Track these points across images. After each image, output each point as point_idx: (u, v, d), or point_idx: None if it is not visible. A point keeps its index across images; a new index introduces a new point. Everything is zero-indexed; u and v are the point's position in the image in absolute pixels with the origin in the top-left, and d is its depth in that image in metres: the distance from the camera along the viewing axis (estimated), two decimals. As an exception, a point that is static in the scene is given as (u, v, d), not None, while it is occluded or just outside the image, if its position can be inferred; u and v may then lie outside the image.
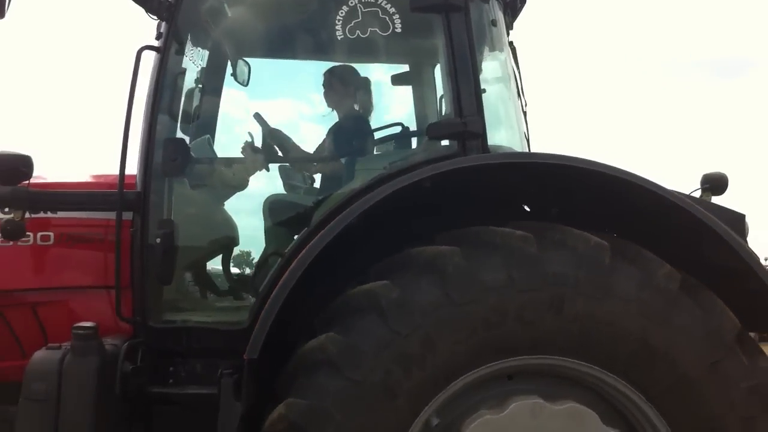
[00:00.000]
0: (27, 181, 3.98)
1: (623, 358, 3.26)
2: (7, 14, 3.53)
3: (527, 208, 4.20)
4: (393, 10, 4.19)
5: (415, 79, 5.66)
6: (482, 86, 4.24)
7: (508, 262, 3.24)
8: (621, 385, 3.30)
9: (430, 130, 4.16)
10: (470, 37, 4.09)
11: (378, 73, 5.75)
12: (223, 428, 3.56)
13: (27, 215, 4.06)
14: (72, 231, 4.46)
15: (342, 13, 4.17)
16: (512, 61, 4.76)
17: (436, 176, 3.51)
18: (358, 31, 4.16)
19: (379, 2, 4.18)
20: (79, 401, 3.62)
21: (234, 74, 5.37)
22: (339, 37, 4.17)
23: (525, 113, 4.82)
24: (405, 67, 5.73)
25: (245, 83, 5.49)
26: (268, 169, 4.94)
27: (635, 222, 3.72)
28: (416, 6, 4.11)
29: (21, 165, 3.93)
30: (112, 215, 4.16)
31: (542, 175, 3.67)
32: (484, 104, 4.19)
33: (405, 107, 5.77)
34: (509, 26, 5.10)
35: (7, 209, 4.06)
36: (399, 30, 4.19)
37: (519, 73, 4.82)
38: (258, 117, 4.96)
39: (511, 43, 4.83)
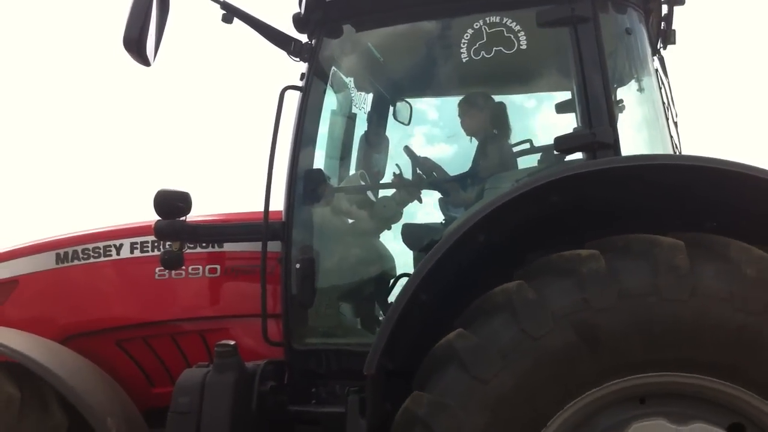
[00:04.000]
0: (184, 216, 4.37)
1: None
2: (154, 63, 3.92)
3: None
4: (518, 27, 4.15)
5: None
6: (621, 98, 4.05)
7: (653, 269, 3.01)
8: None
9: (558, 143, 4.02)
10: (600, 47, 3.95)
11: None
12: None
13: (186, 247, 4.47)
14: (236, 264, 4.83)
15: (467, 36, 4.21)
16: (660, 70, 4.51)
17: (558, 186, 3.36)
18: (483, 52, 4.17)
19: (504, 21, 4.17)
20: (218, 414, 3.87)
21: (393, 113, 5.61)
22: (464, 60, 4.20)
23: (676, 124, 4.52)
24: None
25: (406, 122, 5.69)
26: (420, 201, 5.03)
27: None
28: (542, 21, 4.06)
29: (179, 201, 4.34)
30: (273, 247, 4.46)
31: (681, 182, 3.37)
32: (624, 116, 3.99)
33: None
34: (668, 36, 4.86)
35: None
36: (524, 47, 4.14)
37: (668, 82, 4.55)
38: (407, 150, 5.09)
39: (657, 52, 4.58)
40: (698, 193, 3.34)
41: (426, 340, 3.32)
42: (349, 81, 5.20)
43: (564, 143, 3.99)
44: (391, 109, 5.61)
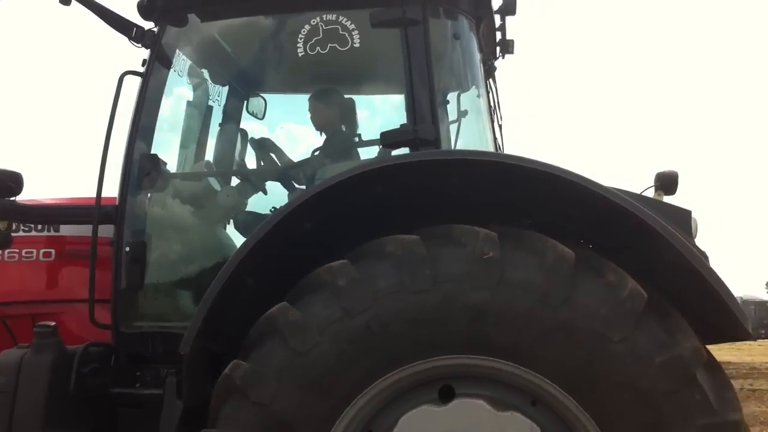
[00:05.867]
0: (14, 196, 4.31)
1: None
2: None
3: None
4: (353, 26, 4.31)
5: None
6: (446, 98, 4.26)
7: (469, 257, 3.18)
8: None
9: (383, 138, 4.20)
10: (428, 50, 4.16)
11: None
12: (164, 426, 3.68)
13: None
14: (72, 248, 4.81)
15: (304, 31, 4.34)
16: (490, 76, 4.77)
17: (374, 177, 3.49)
18: (318, 48, 4.31)
19: (339, 19, 4.32)
20: (33, 395, 3.86)
21: (247, 107, 5.67)
22: (300, 54, 4.33)
23: (500, 126, 4.79)
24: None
25: (261, 116, 5.75)
26: (265, 192, 5.10)
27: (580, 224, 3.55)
28: (375, 21, 4.24)
29: (9, 180, 4.27)
30: (109, 232, 4.45)
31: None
32: (448, 117, 4.19)
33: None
34: (505, 46, 5.13)
35: None
36: (357, 45, 4.30)
37: (495, 87, 4.81)
38: (252, 142, 5.17)
39: (491, 59, 4.84)
40: (510, 189, 3.49)
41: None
42: (204, 72, 5.26)
43: (389, 138, 4.18)
44: (245, 102, 5.68)
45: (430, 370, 3.22)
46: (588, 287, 3.10)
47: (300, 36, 4.34)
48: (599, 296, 3.08)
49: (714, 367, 3.14)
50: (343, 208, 3.55)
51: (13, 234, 4.47)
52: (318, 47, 4.32)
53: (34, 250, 4.79)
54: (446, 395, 3.28)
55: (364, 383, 3.21)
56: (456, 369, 3.23)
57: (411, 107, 4.11)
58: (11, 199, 4.31)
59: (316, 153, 5.02)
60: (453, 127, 4.85)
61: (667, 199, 4.40)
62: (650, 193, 4.41)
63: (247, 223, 4.72)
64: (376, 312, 3.17)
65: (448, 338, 3.16)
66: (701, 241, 3.90)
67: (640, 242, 3.29)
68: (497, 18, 4.91)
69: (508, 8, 4.78)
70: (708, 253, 3.55)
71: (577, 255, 3.13)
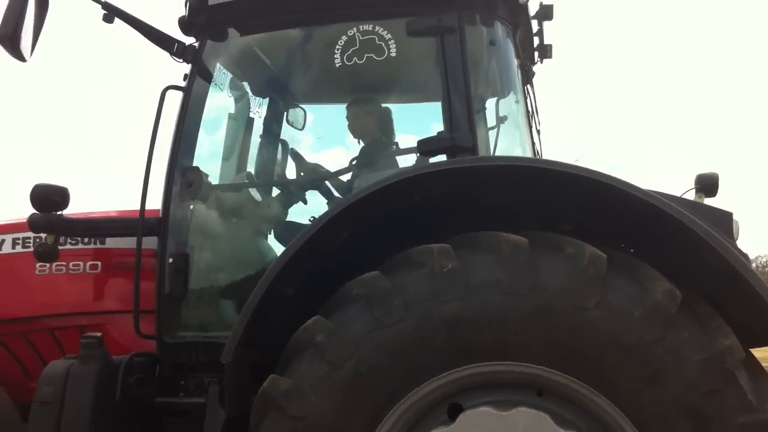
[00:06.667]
0: (61, 210, 4.41)
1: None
2: (30, 59, 3.97)
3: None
4: (389, 36, 4.33)
5: None
6: (484, 105, 4.26)
7: (430, 275, 3.20)
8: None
9: (420, 146, 4.22)
10: (464, 57, 4.17)
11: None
12: None
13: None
14: (118, 260, 4.90)
15: (341, 42, 4.37)
16: (528, 82, 4.76)
17: (412, 184, 3.50)
18: (355, 58, 4.34)
19: (376, 29, 4.35)
20: (80, 404, 3.94)
21: (287, 118, 5.74)
22: (337, 65, 4.36)
23: (539, 132, 4.77)
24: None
25: (300, 127, 5.82)
26: (305, 202, 5.16)
27: (623, 228, 3.52)
28: (412, 30, 4.26)
29: (56, 195, 4.37)
30: (153, 244, 4.53)
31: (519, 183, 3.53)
32: (486, 123, 4.18)
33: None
34: (543, 51, 5.12)
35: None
36: (394, 55, 4.31)
37: (533, 92, 4.79)
38: (293, 153, 5.23)
39: (529, 65, 4.82)
40: (548, 195, 3.46)
41: None
42: (244, 85, 5.35)
43: (426, 146, 4.19)
44: (285, 113, 5.75)
45: (428, 394, 3.24)
46: (549, 266, 3.13)
47: (337, 47, 4.37)
48: (563, 271, 3.11)
49: (693, 302, 3.11)
50: (381, 216, 3.57)
51: (60, 247, 4.57)
52: (355, 57, 4.35)
53: (81, 263, 4.89)
54: (457, 413, 3.27)
55: (372, 426, 3.24)
56: (454, 384, 3.25)
57: (448, 115, 4.13)
58: (58, 213, 4.40)
59: (354, 162, 5.05)
60: (492, 134, 4.85)
61: (707, 201, 4.33)
62: (690, 196, 4.34)
63: (288, 233, 4.77)
64: (360, 355, 3.19)
65: (436, 358, 3.19)
66: (743, 244, 3.83)
67: (680, 245, 3.25)
68: (534, 23, 4.90)
69: (545, 13, 4.77)
70: (750, 256, 3.47)
71: (530, 239, 3.17)
